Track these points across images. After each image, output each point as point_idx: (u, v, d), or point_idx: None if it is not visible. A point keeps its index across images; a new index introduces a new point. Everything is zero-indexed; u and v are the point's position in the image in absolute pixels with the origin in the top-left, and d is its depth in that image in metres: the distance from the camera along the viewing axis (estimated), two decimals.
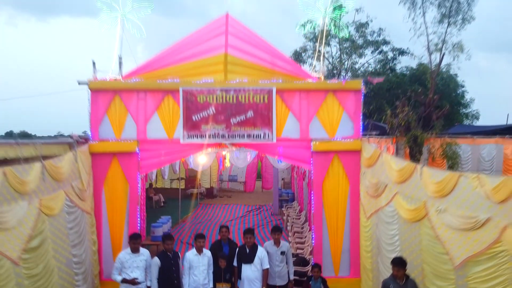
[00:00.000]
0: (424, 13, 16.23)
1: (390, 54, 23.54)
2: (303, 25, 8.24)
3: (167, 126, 7.41)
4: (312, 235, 8.00)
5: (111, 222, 7.38)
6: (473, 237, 4.83)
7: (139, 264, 5.96)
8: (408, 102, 11.32)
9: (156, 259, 6.01)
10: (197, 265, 6.03)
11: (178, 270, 6.13)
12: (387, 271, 6.50)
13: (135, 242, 5.98)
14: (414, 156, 10.57)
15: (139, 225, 7.46)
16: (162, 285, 5.94)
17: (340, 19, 7.90)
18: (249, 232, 6.29)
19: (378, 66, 23.90)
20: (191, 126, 7.34)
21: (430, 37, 16.13)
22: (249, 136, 7.45)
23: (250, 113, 7.38)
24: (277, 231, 6.49)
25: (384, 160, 6.81)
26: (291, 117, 7.53)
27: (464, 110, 23.89)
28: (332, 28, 7.70)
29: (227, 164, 9.89)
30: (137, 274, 5.88)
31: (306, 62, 22.34)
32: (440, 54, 15.44)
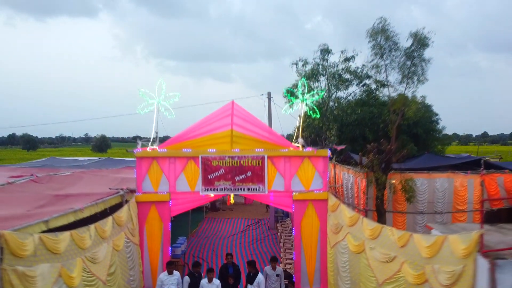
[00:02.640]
0: (387, 76, 19.58)
1: (373, 85, 26.45)
2: (289, 105, 11.31)
3: (190, 182, 10.24)
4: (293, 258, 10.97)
5: (150, 250, 10.24)
6: (388, 267, 7.83)
7: (173, 282, 8.91)
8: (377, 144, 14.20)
9: (186, 277, 8.97)
10: None
11: None
12: (343, 284, 9.50)
13: (170, 267, 8.99)
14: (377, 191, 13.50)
15: (170, 252, 10.41)
16: None
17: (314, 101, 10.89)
18: (250, 264, 9.26)
19: (363, 95, 26.82)
20: (207, 182, 10.25)
21: (392, 94, 19.47)
22: (248, 189, 10.31)
23: (249, 173, 10.25)
24: (274, 261, 9.51)
25: (341, 208, 9.76)
26: (278, 175, 10.34)
27: (438, 135, 26.90)
28: (308, 110, 10.73)
29: (232, 201, 12.14)
30: None
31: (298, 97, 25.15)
32: (402, 108, 18.47)
